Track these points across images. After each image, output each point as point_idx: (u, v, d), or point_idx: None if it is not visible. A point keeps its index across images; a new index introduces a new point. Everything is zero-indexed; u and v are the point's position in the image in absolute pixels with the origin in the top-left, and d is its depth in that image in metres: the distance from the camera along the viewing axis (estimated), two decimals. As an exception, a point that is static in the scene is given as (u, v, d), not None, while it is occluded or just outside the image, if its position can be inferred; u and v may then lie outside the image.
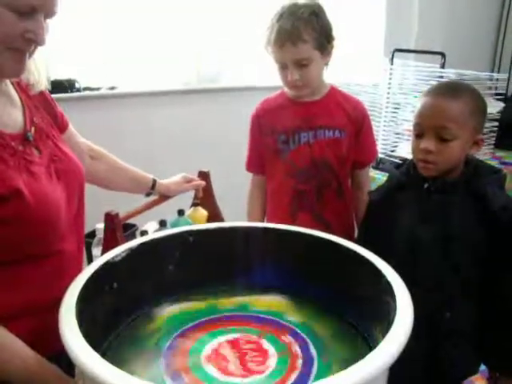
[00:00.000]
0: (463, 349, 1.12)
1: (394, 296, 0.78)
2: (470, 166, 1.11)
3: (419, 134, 1.08)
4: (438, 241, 1.09)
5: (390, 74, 2.52)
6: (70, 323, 0.70)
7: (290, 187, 1.44)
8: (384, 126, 2.53)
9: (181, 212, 1.26)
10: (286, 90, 1.45)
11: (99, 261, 0.89)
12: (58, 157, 0.91)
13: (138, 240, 0.98)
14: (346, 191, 1.48)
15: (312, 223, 1.37)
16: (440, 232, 1.09)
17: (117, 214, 1.09)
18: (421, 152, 1.08)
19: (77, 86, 1.99)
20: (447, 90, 1.08)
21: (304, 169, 1.42)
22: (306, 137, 1.40)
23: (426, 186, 1.12)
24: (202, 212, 1.34)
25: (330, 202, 1.45)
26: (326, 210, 1.45)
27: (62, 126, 1.02)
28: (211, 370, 0.80)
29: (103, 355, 0.83)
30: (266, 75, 2.42)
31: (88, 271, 0.85)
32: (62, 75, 1.99)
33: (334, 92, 1.45)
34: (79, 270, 0.91)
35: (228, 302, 1.00)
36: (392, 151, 2.49)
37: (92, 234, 1.36)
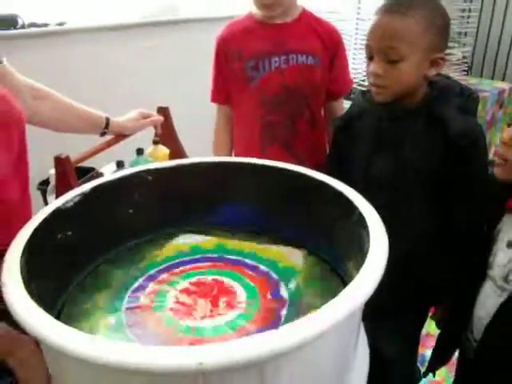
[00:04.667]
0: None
1: (368, 229, 0.73)
2: (434, 89, 1.03)
3: (369, 56, 1.00)
4: (389, 170, 1.04)
5: (359, -3, 2.40)
6: (12, 279, 0.63)
7: (260, 118, 1.35)
8: (354, 54, 2.42)
9: (140, 151, 1.18)
10: (254, 11, 1.33)
11: (48, 208, 0.81)
12: None
13: (91, 183, 0.89)
14: (320, 123, 1.41)
15: (283, 156, 1.29)
16: (392, 161, 1.04)
17: (67, 157, 1.00)
18: (371, 75, 1.00)
19: (20, 22, 1.81)
20: (395, 6, 0.98)
21: (275, 97, 1.32)
22: (277, 62, 1.30)
23: (380, 112, 1.05)
24: (163, 150, 1.25)
25: (302, 134, 1.37)
26: (297, 143, 1.37)
27: None
28: (173, 311, 0.76)
29: (62, 305, 0.79)
30: (226, 4, 2.27)
31: (35, 221, 0.77)
32: (1, 10, 1.81)
33: (306, 15, 1.35)
34: (27, 220, 0.83)
35: (194, 244, 0.95)
36: (363, 80, 2.40)
37: (47, 182, 1.27)
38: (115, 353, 0.48)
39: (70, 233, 0.84)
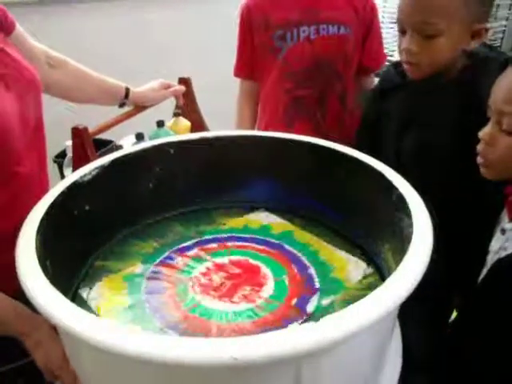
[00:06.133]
0: None
1: (409, 212, 0.67)
2: (473, 61, 0.93)
3: (402, 30, 0.90)
4: (420, 148, 0.96)
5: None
6: (27, 256, 0.58)
7: (287, 92, 1.26)
8: (382, 27, 2.32)
9: (160, 123, 1.12)
10: None
11: (64, 182, 0.77)
12: (5, 62, 0.75)
13: (110, 156, 0.84)
14: (350, 101, 1.31)
15: (311, 135, 1.23)
16: (423, 138, 0.95)
17: (85, 128, 0.94)
18: (404, 52, 0.91)
19: (37, -14, 1.75)
20: None
21: (303, 70, 1.23)
22: (306, 31, 1.21)
23: (413, 86, 0.96)
24: (185, 122, 1.19)
25: (332, 111, 1.28)
26: (327, 121, 1.29)
27: (6, 27, 0.83)
28: (198, 296, 0.71)
29: (77, 287, 0.75)
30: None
31: (51, 195, 0.73)
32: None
33: None
34: (44, 193, 0.78)
35: (216, 222, 0.90)
36: (391, 56, 2.30)
37: (63, 154, 1.22)
38: (136, 343, 0.44)
39: (87, 207, 0.80)
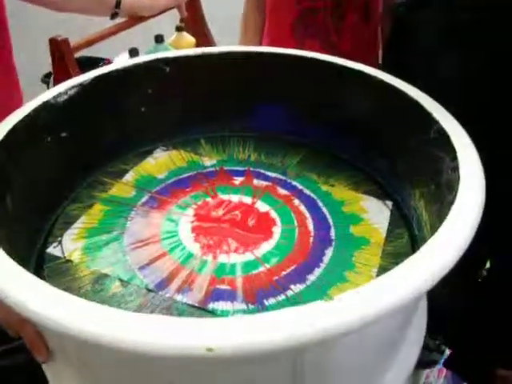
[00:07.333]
0: None
1: (453, 150, 0.54)
2: None
3: None
4: (457, 76, 0.80)
5: None
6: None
7: (295, 3, 1.07)
8: None
9: (159, 38, 0.97)
10: None
11: (33, 102, 0.63)
12: None
13: (92, 73, 0.70)
14: (375, 16, 1.12)
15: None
16: (461, 65, 0.80)
17: (65, 40, 0.80)
18: None
19: None
20: None
21: None
22: None
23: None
24: (189, 39, 1.04)
25: (351, 27, 1.07)
26: (344, 40, 1.08)
27: None
28: (195, 249, 0.59)
29: (49, 232, 0.64)
30: None
31: (14, 117, 0.60)
32: None
33: None
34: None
35: (216, 154, 0.77)
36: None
37: (50, 75, 1.09)
38: (93, 323, 0.32)
39: (64, 134, 0.67)
